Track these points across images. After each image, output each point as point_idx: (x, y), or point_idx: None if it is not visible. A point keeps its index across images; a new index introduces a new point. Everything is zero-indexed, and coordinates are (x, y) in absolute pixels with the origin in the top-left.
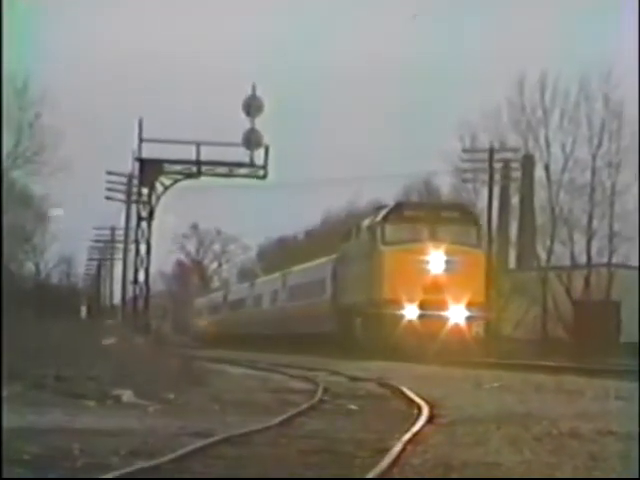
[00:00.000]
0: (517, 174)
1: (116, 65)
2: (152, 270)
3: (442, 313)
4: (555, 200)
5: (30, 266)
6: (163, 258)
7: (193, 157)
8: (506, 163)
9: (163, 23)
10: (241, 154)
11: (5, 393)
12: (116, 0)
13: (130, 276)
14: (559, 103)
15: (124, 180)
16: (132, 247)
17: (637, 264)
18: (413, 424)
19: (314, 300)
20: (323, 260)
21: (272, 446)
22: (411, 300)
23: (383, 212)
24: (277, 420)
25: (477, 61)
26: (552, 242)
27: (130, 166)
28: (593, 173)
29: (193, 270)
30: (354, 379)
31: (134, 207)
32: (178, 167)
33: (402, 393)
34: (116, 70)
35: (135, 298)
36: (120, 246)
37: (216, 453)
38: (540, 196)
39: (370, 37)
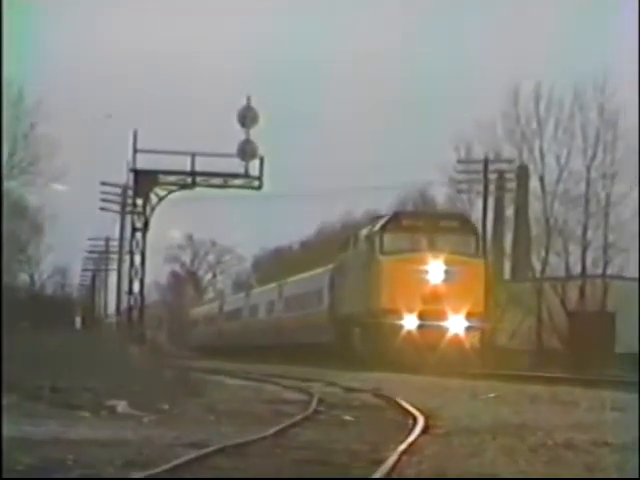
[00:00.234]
0: (512, 185)
1: (110, 76)
2: (147, 280)
3: (441, 323)
4: (550, 211)
5: (24, 277)
6: (158, 269)
7: (188, 168)
8: (501, 174)
9: (159, 32)
10: (236, 165)
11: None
12: (110, 10)
13: (125, 287)
14: (554, 113)
15: (119, 191)
16: (127, 258)
17: (632, 275)
18: (408, 435)
19: (311, 310)
20: (320, 270)
21: (267, 457)
22: (410, 310)
23: (381, 221)
24: (272, 431)
25: (472, 72)
26: (547, 253)
27: (125, 177)
28: (588, 184)
29: (188, 281)
30: (349, 390)
31: (129, 218)
32: (173, 178)
33: (397, 404)
34: (110, 81)
35: (130, 308)
36: (115, 257)
37: (211, 464)
38: (535, 207)
39: (367, 48)
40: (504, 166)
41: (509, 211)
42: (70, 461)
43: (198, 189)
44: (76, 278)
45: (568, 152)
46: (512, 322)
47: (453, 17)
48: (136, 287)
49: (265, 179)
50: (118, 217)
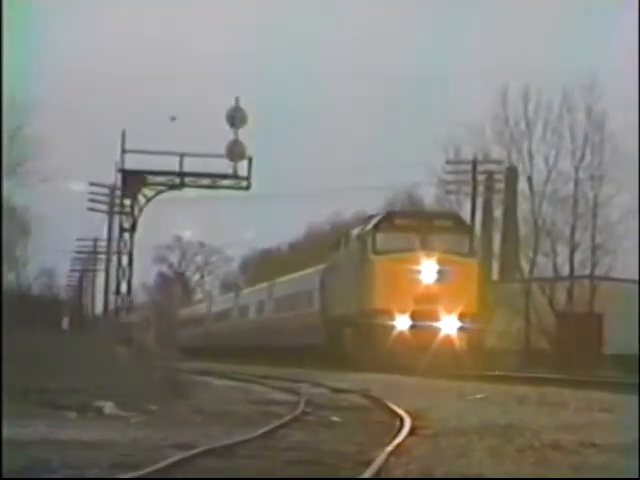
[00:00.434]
0: (500, 186)
1: (99, 76)
2: (134, 281)
3: (434, 324)
4: (538, 212)
5: (11, 278)
6: (146, 269)
7: (176, 168)
8: (489, 175)
9: (147, 33)
10: (224, 165)
11: None
12: (98, 10)
13: (112, 287)
14: (542, 115)
15: (107, 191)
16: (114, 258)
17: (620, 276)
18: (396, 436)
19: (302, 311)
20: (311, 270)
21: (255, 458)
22: (402, 310)
23: (374, 221)
24: (260, 432)
25: (460, 73)
26: (535, 254)
27: (113, 177)
28: (576, 185)
29: (176, 281)
30: (337, 391)
31: (117, 218)
32: (161, 178)
33: (385, 405)
34: (99, 81)
35: (117, 309)
36: (102, 257)
37: (199, 465)
38: (523, 208)
39: (355, 50)
40: (493, 167)
41: (497, 212)
42: (57, 462)
43: (186, 190)
44: (63, 279)
45: (556, 153)
46: (500, 323)
47: (442, 19)
48: (124, 288)
49: (253, 180)
50: (106, 217)
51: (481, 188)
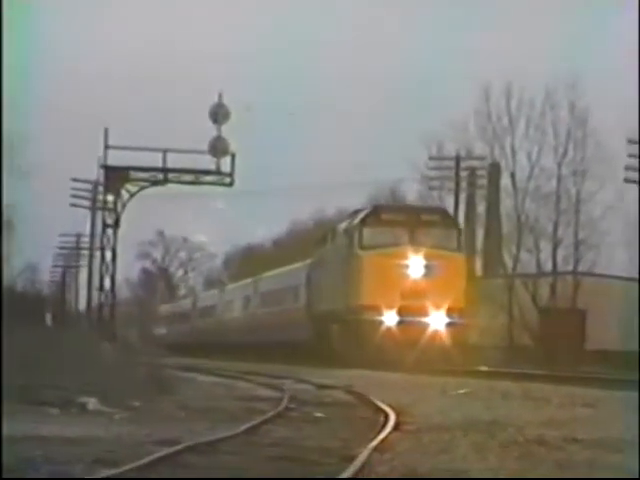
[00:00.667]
0: (483, 182)
1: (82, 72)
2: (118, 277)
3: (422, 319)
4: (521, 208)
5: None
6: (129, 265)
7: (159, 165)
8: (472, 171)
9: (130, 29)
10: (208, 161)
11: None
12: (81, 8)
13: (96, 283)
14: (525, 111)
15: (90, 187)
16: (97, 254)
17: (602, 272)
18: (380, 431)
19: (287, 307)
20: (297, 265)
21: (238, 454)
22: (390, 306)
23: (360, 215)
24: (243, 428)
25: (443, 70)
26: (518, 250)
27: (96, 173)
28: (559, 181)
29: (159, 277)
30: (322, 387)
31: (100, 214)
32: (144, 174)
33: (370, 400)
34: (82, 76)
35: (101, 305)
36: (85, 253)
37: (182, 461)
38: (506, 204)
39: (338, 46)
40: (476, 163)
41: (480, 208)
42: (40, 458)
43: (170, 186)
44: (46, 274)
45: (539, 149)
46: (483, 319)
47: (425, 16)
48: (107, 284)
49: (237, 176)
50: (89, 213)
51: (464, 184)
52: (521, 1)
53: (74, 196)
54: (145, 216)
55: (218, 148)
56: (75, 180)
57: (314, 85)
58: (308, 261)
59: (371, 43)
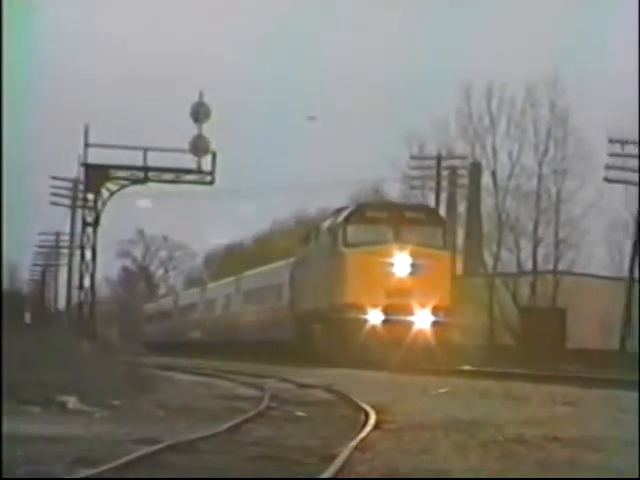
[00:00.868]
0: (464, 181)
1: (62, 69)
2: (98, 276)
3: (407, 318)
4: (502, 207)
5: None
6: (109, 264)
7: (140, 163)
8: (453, 170)
9: (113, 25)
10: (189, 160)
11: None
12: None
13: (75, 282)
14: (505, 110)
15: (70, 185)
16: (77, 253)
17: (582, 271)
18: (360, 431)
19: (270, 306)
20: (281, 263)
21: (219, 453)
22: (375, 305)
23: (345, 213)
24: (224, 427)
25: (424, 70)
26: (499, 248)
27: (76, 171)
28: (539, 180)
29: (139, 276)
30: (303, 386)
31: (79, 212)
32: (124, 173)
33: (351, 399)
34: (62, 74)
35: (80, 304)
36: (65, 251)
37: (162, 460)
38: (487, 203)
39: (320, 44)
40: (457, 162)
41: (461, 207)
42: (19, 457)
43: (150, 184)
44: (26, 273)
45: (520, 148)
46: (464, 318)
47: (407, 17)
48: (87, 282)
49: (217, 175)
50: (69, 211)
51: (445, 183)
52: (501, 1)
53: (54, 194)
54: (125, 215)
55: (199, 147)
56: (55, 178)
57: (296, 85)
58: (291, 259)
59: (353, 43)
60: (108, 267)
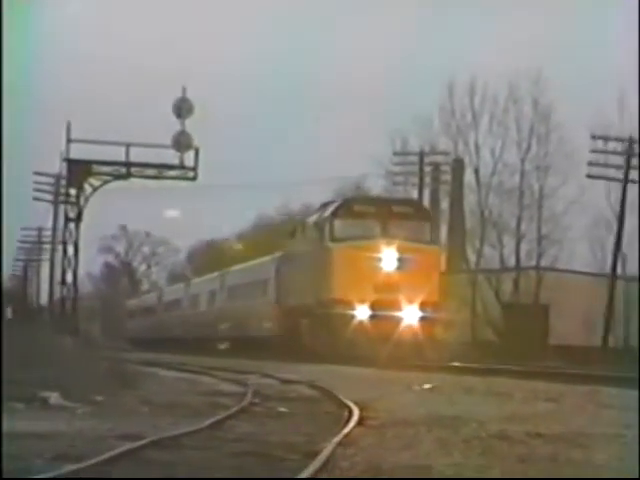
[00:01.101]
0: (447, 177)
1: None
2: (80, 271)
3: (395, 313)
4: (484, 203)
5: None
6: (91, 259)
7: (123, 159)
8: (436, 166)
9: (96, 22)
10: (171, 156)
11: None
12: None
13: (58, 277)
14: (488, 107)
15: (52, 180)
16: (60, 248)
17: (565, 267)
18: (343, 427)
19: (256, 301)
20: (266, 259)
21: (202, 449)
22: (362, 300)
23: (331, 207)
24: (207, 423)
25: (408, 66)
26: (481, 245)
27: (58, 166)
28: (522, 176)
29: (122, 272)
30: (286, 382)
31: (62, 208)
32: (107, 168)
33: (335, 396)
34: (44, 71)
35: (63, 299)
36: (47, 247)
37: (145, 456)
38: (470, 199)
39: (302, 39)
40: (440, 159)
41: (444, 203)
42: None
43: (133, 180)
44: (7, 268)
45: (502, 145)
46: (447, 314)
47: (390, 14)
48: (69, 278)
49: (200, 171)
50: (51, 207)
51: (428, 179)
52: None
53: (36, 189)
54: (108, 210)
55: (182, 142)
56: (37, 173)
57: (281, 82)
58: (277, 254)
59: (335, 41)
60: (90, 263)
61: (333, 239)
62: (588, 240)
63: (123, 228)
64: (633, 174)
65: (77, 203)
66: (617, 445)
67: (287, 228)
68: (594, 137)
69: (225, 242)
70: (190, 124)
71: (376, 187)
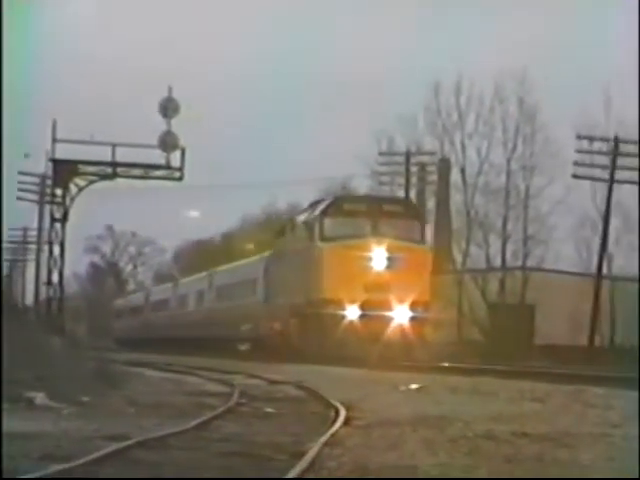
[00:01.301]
0: (433, 177)
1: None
2: (66, 272)
3: (385, 313)
4: (470, 203)
5: None
6: (77, 259)
7: (109, 159)
8: (422, 166)
9: (82, 21)
10: (158, 156)
11: None
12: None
13: (43, 277)
14: (474, 107)
15: (37, 180)
16: (45, 248)
17: (551, 267)
18: (330, 427)
19: (244, 301)
20: (254, 258)
21: (188, 449)
22: (352, 300)
23: (321, 206)
24: (193, 423)
25: (393, 66)
26: (468, 245)
27: (44, 166)
28: (508, 176)
29: (108, 272)
30: (273, 382)
31: (47, 208)
32: (93, 168)
33: (321, 396)
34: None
35: (49, 300)
36: (33, 247)
37: (131, 457)
38: (456, 199)
39: (286, 39)
40: (426, 159)
41: (430, 203)
42: None
43: (119, 180)
44: None
45: (488, 145)
46: (434, 314)
47: (376, 14)
48: (55, 278)
49: (187, 171)
50: (36, 207)
51: (414, 179)
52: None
53: (21, 189)
54: (94, 210)
55: (168, 143)
56: (22, 173)
57: (268, 82)
58: (266, 254)
59: (322, 41)
60: (76, 263)
61: (323, 238)
62: (574, 240)
63: (109, 228)
64: (619, 174)
65: (63, 203)
66: (603, 445)
67: (276, 227)
68: (580, 137)
69: (211, 242)
70: (176, 124)
71: (362, 187)
